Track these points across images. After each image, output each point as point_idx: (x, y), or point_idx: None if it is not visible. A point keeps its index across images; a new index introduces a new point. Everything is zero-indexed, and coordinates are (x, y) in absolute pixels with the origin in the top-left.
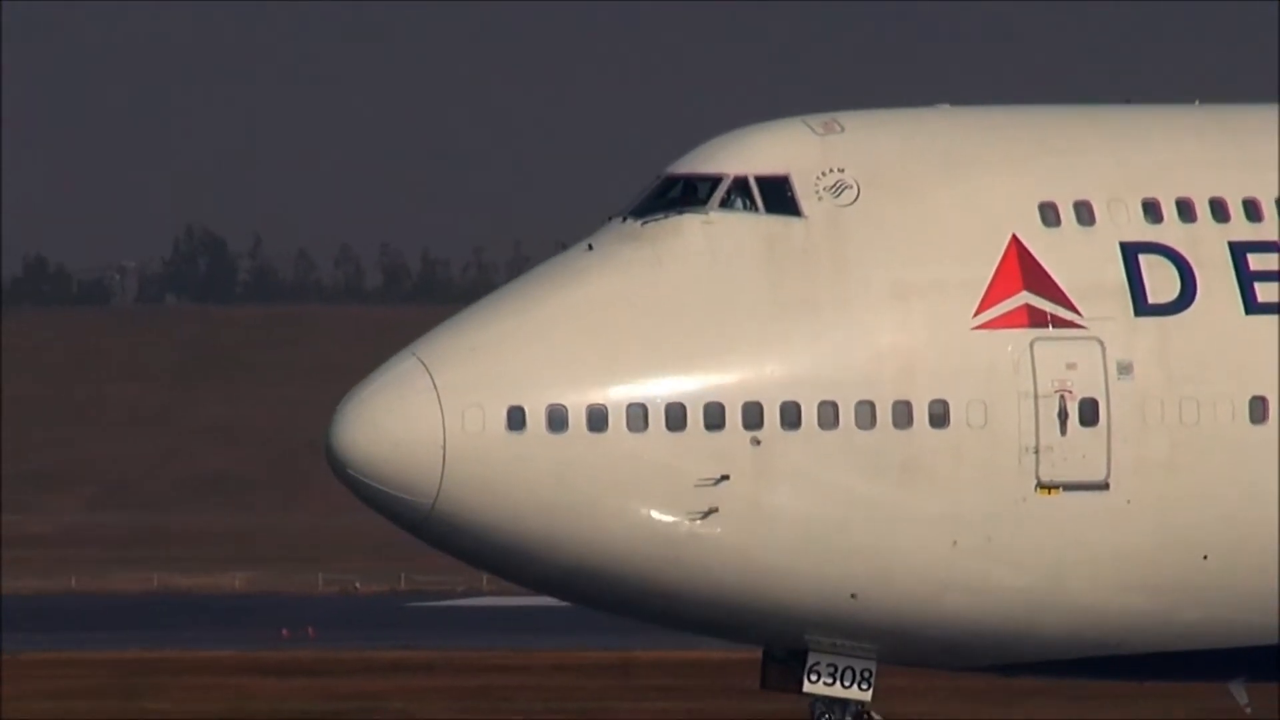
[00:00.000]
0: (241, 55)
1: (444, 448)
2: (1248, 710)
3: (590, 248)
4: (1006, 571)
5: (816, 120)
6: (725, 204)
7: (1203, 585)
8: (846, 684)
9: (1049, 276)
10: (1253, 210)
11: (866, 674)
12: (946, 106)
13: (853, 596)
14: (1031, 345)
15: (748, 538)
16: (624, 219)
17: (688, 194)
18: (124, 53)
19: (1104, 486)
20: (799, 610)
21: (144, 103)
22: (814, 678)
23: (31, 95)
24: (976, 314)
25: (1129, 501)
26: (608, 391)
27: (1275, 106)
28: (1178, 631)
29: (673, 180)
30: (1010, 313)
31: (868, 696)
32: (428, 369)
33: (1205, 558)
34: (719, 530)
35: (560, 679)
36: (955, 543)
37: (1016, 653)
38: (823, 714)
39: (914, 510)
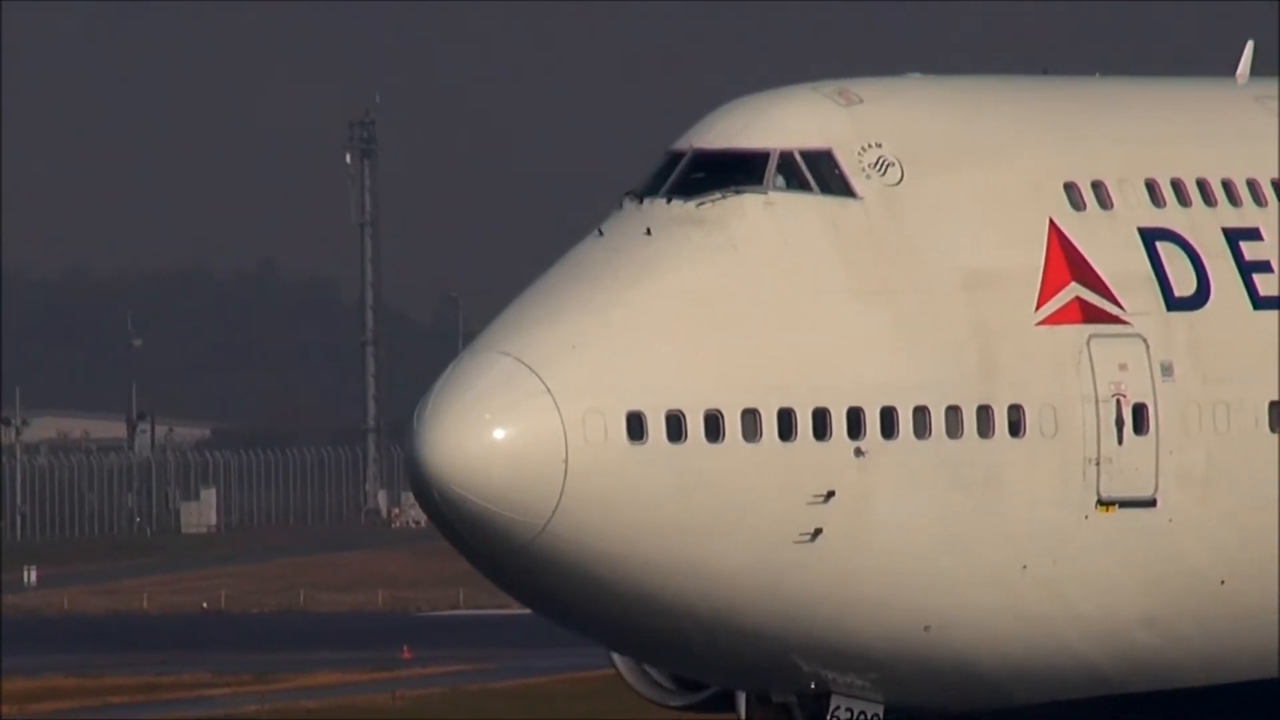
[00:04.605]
0: None
1: (565, 460)
2: None
3: (649, 232)
4: (1070, 599)
5: (829, 88)
6: (775, 182)
7: (1222, 612)
8: None
9: (1090, 266)
10: (1232, 193)
11: (877, 718)
12: (917, 75)
13: (926, 629)
14: (1088, 343)
15: (848, 562)
16: (668, 199)
17: (726, 171)
18: None
19: (1152, 503)
20: (870, 645)
21: None
22: None
23: None
24: (1038, 307)
25: (1171, 520)
26: (721, 395)
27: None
28: (1228, 664)
29: (705, 155)
30: (1066, 306)
31: None
32: (534, 370)
33: (1222, 582)
34: (823, 553)
35: None
36: (1025, 567)
37: (1069, 688)
38: None
39: (991, 530)
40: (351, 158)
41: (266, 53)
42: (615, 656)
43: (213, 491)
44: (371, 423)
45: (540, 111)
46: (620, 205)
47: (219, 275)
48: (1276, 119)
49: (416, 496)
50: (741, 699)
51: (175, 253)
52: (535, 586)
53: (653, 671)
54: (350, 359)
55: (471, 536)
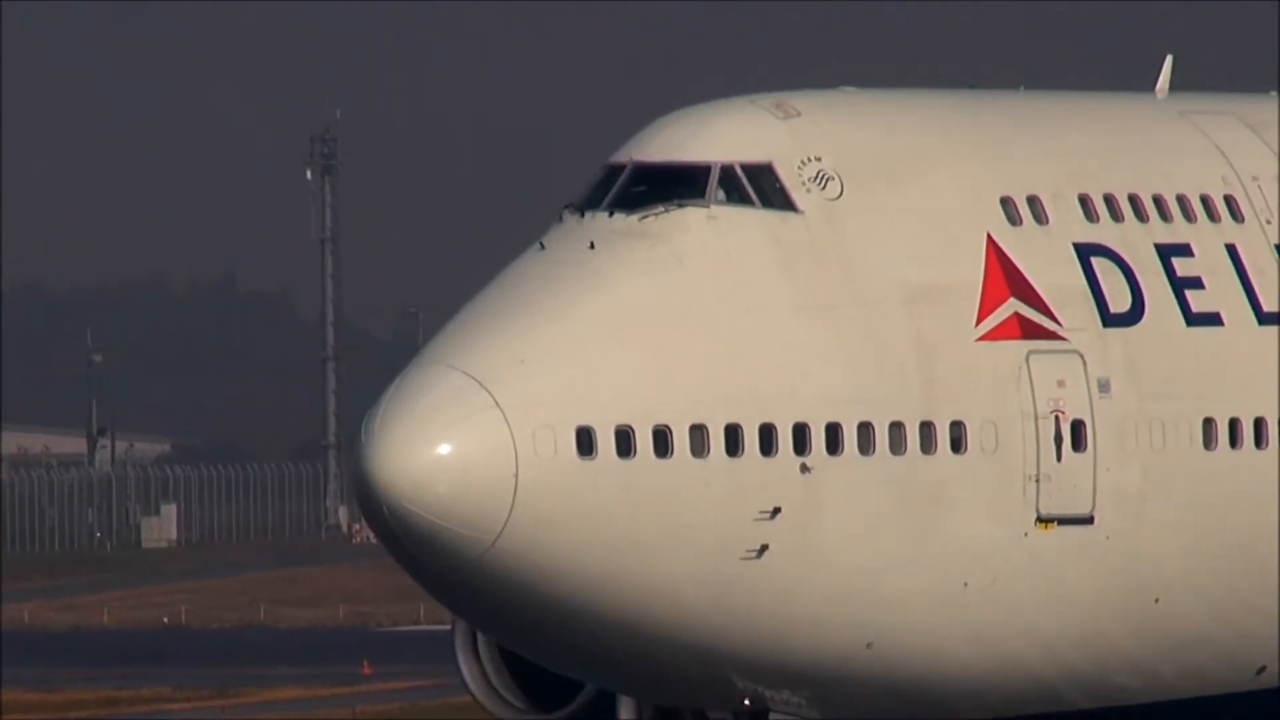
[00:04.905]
0: None
1: (516, 475)
2: None
3: (592, 245)
4: (1010, 617)
5: (766, 101)
6: (716, 196)
7: (1163, 629)
8: None
9: (1028, 281)
10: (1163, 208)
11: None
12: (851, 89)
13: (868, 646)
14: (1027, 359)
15: (793, 579)
16: (610, 212)
17: (667, 184)
18: None
19: (1089, 520)
20: (813, 663)
21: None
22: None
23: None
24: (978, 323)
25: (1108, 538)
26: (670, 410)
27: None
28: (1165, 682)
29: (645, 168)
30: (1005, 322)
31: None
32: (483, 385)
33: (1156, 600)
34: (768, 570)
35: None
36: (966, 584)
37: (1010, 706)
38: None
39: (933, 547)
40: (312, 173)
41: (228, 67)
42: (465, 676)
43: (173, 507)
44: (332, 438)
45: (500, 128)
46: (560, 218)
47: (179, 290)
48: (1202, 134)
49: (364, 511)
50: (622, 707)
51: (135, 267)
52: (482, 603)
53: (506, 692)
54: (311, 374)
55: (419, 552)
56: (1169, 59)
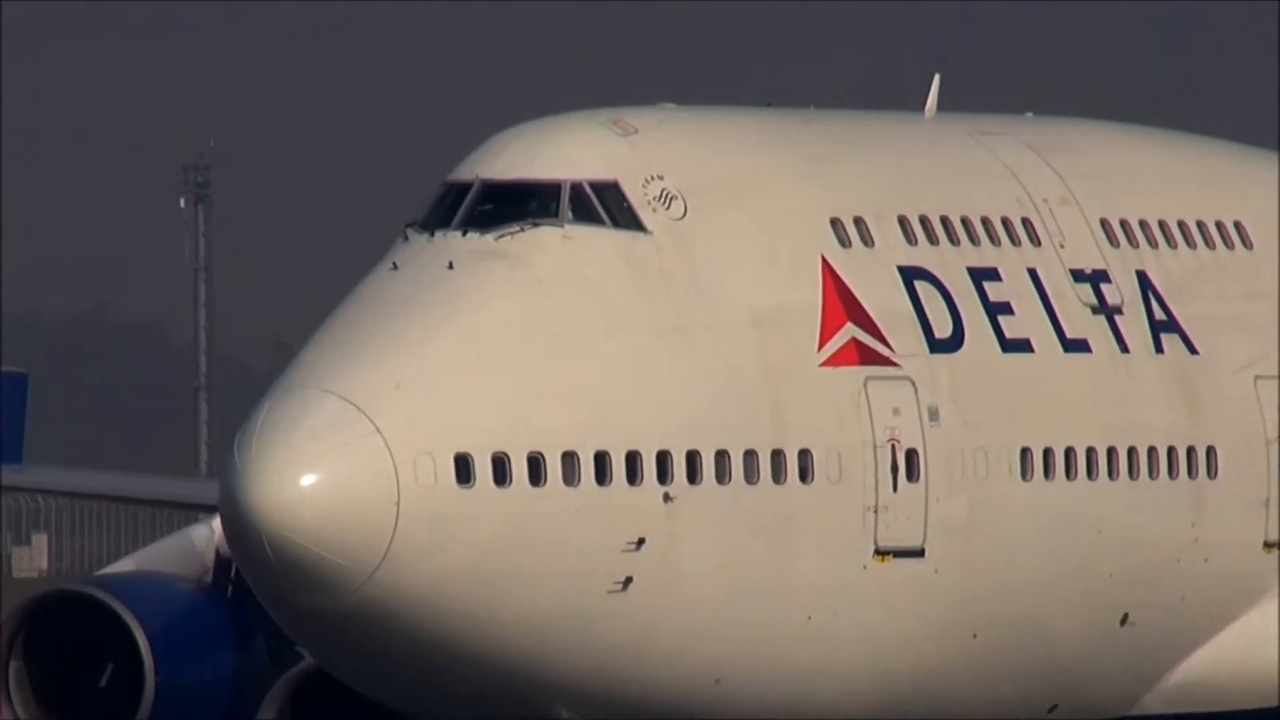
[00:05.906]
0: None
1: (397, 504)
2: None
3: (451, 266)
4: (848, 652)
5: (602, 117)
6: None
7: (981, 664)
8: None
9: (861, 305)
10: (970, 231)
11: None
12: (671, 106)
13: (717, 681)
14: (865, 385)
15: (653, 613)
16: (463, 231)
17: (516, 202)
18: None
19: (920, 553)
20: (662, 699)
21: None
22: None
23: None
24: (820, 348)
25: (936, 571)
26: (543, 437)
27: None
28: (977, 717)
29: (493, 186)
30: (844, 347)
31: None
32: (362, 410)
33: (974, 635)
34: (630, 604)
35: None
36: (810, 618)
37: None
38: None
39: (781, 580)
40: (185, 202)
41: (101, 95)
42: None
43: (44, 536)
44: (204, 468)
45: (380, 159)
46: (405, 237)
47: (50, 318)
48: (993, 156)
49: (235, 540)
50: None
51: (6, 294)
52: (351, 640)
53: None
54: (183, 404)
55: (296, 584)
56: (936, 77)
